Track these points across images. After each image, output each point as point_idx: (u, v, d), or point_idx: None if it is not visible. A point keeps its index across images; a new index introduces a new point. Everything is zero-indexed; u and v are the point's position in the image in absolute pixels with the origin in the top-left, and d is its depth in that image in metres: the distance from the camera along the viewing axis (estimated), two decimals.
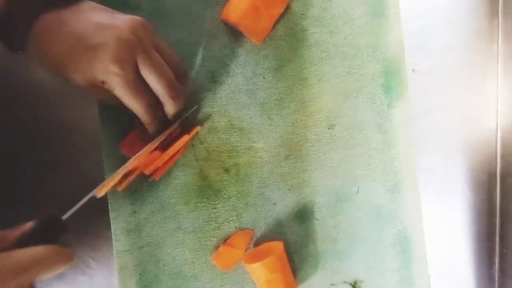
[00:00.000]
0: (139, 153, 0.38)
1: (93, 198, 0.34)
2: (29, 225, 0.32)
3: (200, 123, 0.43)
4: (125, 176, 0.39)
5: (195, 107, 0.42)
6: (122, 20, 0.33)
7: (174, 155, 0.41)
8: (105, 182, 0.36)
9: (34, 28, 0.31)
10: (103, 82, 0.33)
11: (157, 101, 0.36)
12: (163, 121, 0.38)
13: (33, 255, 0.29)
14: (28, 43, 0.32)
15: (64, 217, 0.33)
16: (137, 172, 0.40)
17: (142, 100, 0.34)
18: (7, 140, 0.42)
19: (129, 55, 0.32)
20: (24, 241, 0.31)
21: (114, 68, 0.32)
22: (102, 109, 0.41)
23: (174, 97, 0.36)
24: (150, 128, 0.38)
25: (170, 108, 0.37)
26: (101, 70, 0.32)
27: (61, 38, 0.32)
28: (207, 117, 0.43)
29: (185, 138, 0.41)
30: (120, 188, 0.39)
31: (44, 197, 0.43)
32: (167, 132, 0.39)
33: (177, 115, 0.39)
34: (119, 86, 0.33)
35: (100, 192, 0.35)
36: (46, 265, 0.29)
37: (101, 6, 0.35)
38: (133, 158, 0.37)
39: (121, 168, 0.37)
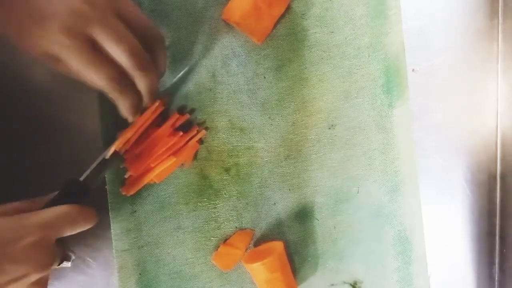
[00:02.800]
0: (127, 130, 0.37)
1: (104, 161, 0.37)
2: (52, 194, 0.35)
3: (203, 125, 0.43)
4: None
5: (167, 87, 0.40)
6: None
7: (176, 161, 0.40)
8: (113, 144, 0.37)
9: None
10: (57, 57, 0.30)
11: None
12: (139, 103, 0.35)
13: (58, 213, 0.32)
14: None
15: (81, 178, 0.36)
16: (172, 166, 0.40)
17: (102, 72, 0.31)
18: (7, 140, 0.42)
19: (81, 24, 0.29)
20: (49, 206, 0.34)
21: (65, 39, 0.29)
22: (102, 109, 0.41)
23: (141, 68, 0.32)
24: (124, 109, 0.34)
25: (140, 82, 0.33)
26: (52, 43, 0.29)
27: (8, 5, 0.29)
28: (208, 117, 0.43)
29: (194, 144, 0.41)
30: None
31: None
32: (146, 114, 0.37)
33: (153, 93, 0.35)
34: (73, 59, 0.30)
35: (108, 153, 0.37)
36: (69, 222, 0.33)
37: None
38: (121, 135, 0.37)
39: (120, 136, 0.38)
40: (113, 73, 0.31)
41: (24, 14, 0.30)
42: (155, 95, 0.36)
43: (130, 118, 0.36)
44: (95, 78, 0.31)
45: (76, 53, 0.30)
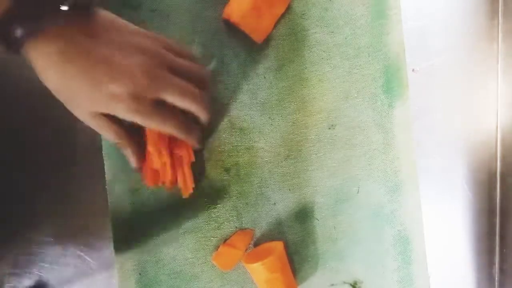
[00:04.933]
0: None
1: None
2: None
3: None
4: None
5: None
6: (134, 61, 0.32)
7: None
8: None
9: (33, 43, 0.29)
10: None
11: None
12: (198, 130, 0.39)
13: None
14: (26, 53, 0.29)
15: None
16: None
17: (170, 123, 0.35)
18: (7, 141, 0.42)
19: (146, 95, 0.32)
20: None
21: (132, 105, 0.32)
22: None
23: (204, 108, 0.36)
24: (194, 141, 0.38)
25: (203, 118, 0.37)
26: (118, 111, 0.32)
27: (64, 71, 0.30)
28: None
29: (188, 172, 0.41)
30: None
31: (44, 197, 0.43)
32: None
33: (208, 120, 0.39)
34: (141, 121, 0.33)
35: None
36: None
37: (112, 26, 0.32)
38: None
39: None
40: (180, 119, 0.35)
41: (79, 82, 0.31)
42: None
43: (198, 146, 0.40)
44: (166, 128, 0.35)
45: (142, 115, 0.33)
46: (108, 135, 0.35)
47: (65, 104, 0.32)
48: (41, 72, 0.30)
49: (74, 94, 0.31)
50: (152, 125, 0.34)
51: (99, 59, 0.30)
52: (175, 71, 0.34)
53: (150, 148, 0.36)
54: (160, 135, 0.37)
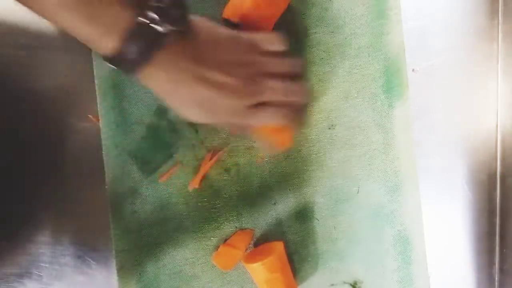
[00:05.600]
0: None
1: None
2: None
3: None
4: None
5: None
6: (236, 74, 0.34)
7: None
8: None
9: (146, 71, 0.31)
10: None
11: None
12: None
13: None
14: (141, 79, 0.32)
15: None
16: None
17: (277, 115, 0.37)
18: (7, 141, 0.42)
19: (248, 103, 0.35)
20: None
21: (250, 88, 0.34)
22: (103, 110, 0.41)
23: (303, 97, 0.38)
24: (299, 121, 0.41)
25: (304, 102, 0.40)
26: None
27: (176, 98, 0.33)
28: None
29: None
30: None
31: (44, 197, 0.43)
32: None
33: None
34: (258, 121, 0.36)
35: None
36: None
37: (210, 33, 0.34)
38: None
39: None
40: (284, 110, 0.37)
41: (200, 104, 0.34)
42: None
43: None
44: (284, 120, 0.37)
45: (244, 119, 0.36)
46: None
47: (181, 114, 0.35)
48: (157, 89, 0.33)
49: (194, 113, 0.34)
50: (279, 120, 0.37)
51: (211, 69, 0.33)
52: (272, 74, 0.36)
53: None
54: None
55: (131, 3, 0.29)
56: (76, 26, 0.28)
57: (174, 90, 0.32)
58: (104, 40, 0.29)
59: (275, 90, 0.36)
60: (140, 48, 0.29)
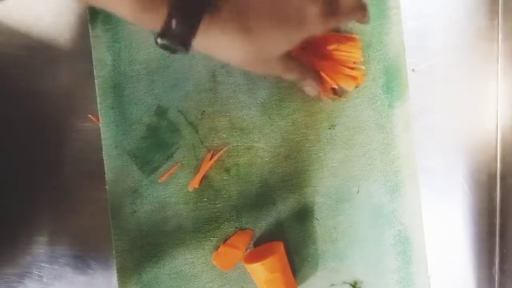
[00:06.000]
0: None
1: None
2: None
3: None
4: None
5: None
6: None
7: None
8: None
9: (203, 30, 0.29)
10: None
11: None
12: None
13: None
14: (199, 45, 0.30)
15: None
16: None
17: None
18: (7, 140, 0.42)
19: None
20: None
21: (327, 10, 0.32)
22: (103, 110, 0.41)
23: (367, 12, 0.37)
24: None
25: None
26: (313, 22, 0.32)
27: (249, 31, 0.30)
28: (208, 117, 0.43)
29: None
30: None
31: (44, 197, 0.43)
32: None
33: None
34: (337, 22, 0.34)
35: None
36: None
37: None
38: None
39: None
40: None
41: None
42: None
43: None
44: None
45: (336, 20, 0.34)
46: (296, 74, 0.37)
47: (257, 67, 0.33)
48: (223, 52, 0.31)
49: (267, 45, 0.31)
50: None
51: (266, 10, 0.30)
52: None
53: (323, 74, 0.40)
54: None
55: None
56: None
57: (242, 28, 0.30)
58: (152, 10, 0.28)
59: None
60: (192, 11, 0.28)
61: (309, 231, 0.45)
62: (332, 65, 0.41)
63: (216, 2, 0.29)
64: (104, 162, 0.41)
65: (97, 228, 0.43)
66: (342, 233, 0.45)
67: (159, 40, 0.29)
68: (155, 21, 0.28)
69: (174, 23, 0.28)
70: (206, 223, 0.43)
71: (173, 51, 0.29)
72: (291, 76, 0.37)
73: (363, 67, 0.42)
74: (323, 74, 0.41)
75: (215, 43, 0.30)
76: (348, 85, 0.41)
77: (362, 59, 0.42)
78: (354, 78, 0.41)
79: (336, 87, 0.41)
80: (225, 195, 0.43)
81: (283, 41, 0.32)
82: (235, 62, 0.32)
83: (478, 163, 0.48)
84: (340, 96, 0.43)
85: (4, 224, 0.42)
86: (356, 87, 0.43)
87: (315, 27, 0.32)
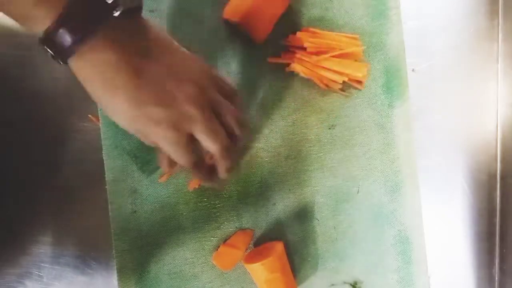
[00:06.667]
0: None
1: None
2: None
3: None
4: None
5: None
6: (183, 90, 0.30)
7: None
8: None
9: (82, 52, 0.27)
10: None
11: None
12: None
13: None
14: (73, 62, 0.28)
15: None
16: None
17: (189, 160, 0.33)
18: (7, 140, 0.42)
19: (186, 125, 0.31)
20: None
21: (170, 134, 0.30)
22: (102, 110, 0.41)
23: (227, 158, 0.34)
24: (224, 164, 0.35)
25: (222, 165, 0.35)
26: (153, 136, 0.31)
27: (109, 83, 0.29)
28: None
29: None
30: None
31: (44, 197, 0.43)
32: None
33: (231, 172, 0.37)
34: (168, 148, 0.31)
35: None
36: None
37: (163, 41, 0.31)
38: None
39: None
40: (198, 160, 0.33)
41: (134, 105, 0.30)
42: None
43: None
44: (182, 161, 0.33)
45: (175, 146, 0.31)
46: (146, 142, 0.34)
47: (103, 111, 0.31)
48: (86, 80, 0.29)
49: (114, 107, 0.30)
50: (182, 158, 0.32)
51: (148, 79, 0.29)
52: (214, 108, 0.32)
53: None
54: None
55: None
56: None
57: (108, 74, 0.28)
58: (41, 8, 0.26)
59: (208, 130, 0.32)
60: (83, 20, 0.26)
61: (309, 231, 0.45)
62: (338, 60, 0.41)
63: (106, 22, 0.27)
64: (104, 162, 0.41)
65: (97, 228, 0.43)
66: (342, 233, 0.45)
67: (40, 43, 0.28)
68: (39, 20, 0.27)
69: (60, 29, 0.26)
70: (206, 223, 0.43)
71: (52, 56, 0.28)
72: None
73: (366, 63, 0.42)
74: (327, 74, 0.40)
75: (88, 72, 0.29)
76: (358, 73, 0.40)
77: (362, 57, 0.42)
78: (363, 67, 0.41)
79: (345, 80, 0.41)
80: (225, 195, 0.43)
81: (124, 118, 0.30)
82: (97, 101, 0.30)
83: (478, 163, 0.48)
84: (344, 91, 0.43)
85: (4, 224, 0.43)
86: (364, 78, 0.42)
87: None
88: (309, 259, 0.45)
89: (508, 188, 0.48)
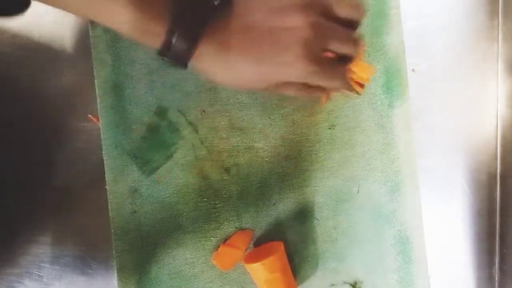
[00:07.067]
0: None
1: None
2: None
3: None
4: None
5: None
6: (294, 21, 0.30)
7: None
8: None
9: (195, 56, 0.30)
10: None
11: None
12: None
13: None
14: (192, 62, 0.30)
15: None
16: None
17: (337, 80, 0.33)
18: (7, 141, 0.42)
19: (316, 48, 0.31)
20: None
21: (309, 67, 0.30)
22: (103, 110, 0.41)
23: (359, 47, 0.34)
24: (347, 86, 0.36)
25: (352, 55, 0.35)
26: (295, 69, 0.31)
27: (228, 60, 0.30)
28: (208, 117, 0.43)
29: None
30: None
31: (44, 197, 0.43)
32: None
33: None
34: (320, 81, 0.32)
35: None
36: None
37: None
38: None
39: None
40: (343, 76, 0.34)
41: (266, 42, 0.30)
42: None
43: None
44: (333, 85, 0.34)
45: (323, 75, 0.32)
46: (291, 93, 0.35)
47: (238, 88, 0.33)
48: (210, 72, 0.31)
49: (247, 79, 0.31)
50: (325, 83, 0.33)
51: (256, 34, 0.30)
52: (329, 15, 0.32)
53: None
54: None
55: None
56: (121, 14, 0.28)
57: (224, 54, 0.30)
58: (153, 24, 0.28)
59: (337, 36, 0.31)
60: (193, 23, 0.28)
61: (309, 231, 0.45)
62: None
63: (213, 20, 0.29)
64: (104, 162, 0.41)
65: (97, 228, 0.43)
66: (342, 233, 0.45)
67: (158, 56, 0.29)
68: (155, 35, 0.28)
69: (174, 39, 0.28)
70: (206, 223, 0.43)
71: (173, 65, 0.30)
72: (287, 94, 0.35)
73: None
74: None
75: (209, 64, 0.31)
76: (364, 74, 0.40)
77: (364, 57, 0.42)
78: (369, 68, 0.41)
79: (351, 77, 0.41)
80: (225, 195, 0.43)
81: (259, 81, 0.32)
82: (227, 84, 0.32)
83: (478, 163, 0.48)
84: (350, 91, 0.43)
85: (4, 224, 0.43)
86: (367, 81, 0.42)
87: (298, 72, 0.31)
88: (309, 259, 0.45)
89: (508, 188, 0.48)
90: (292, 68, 0.30)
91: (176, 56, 0.29)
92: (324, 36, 0.31)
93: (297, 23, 0.30)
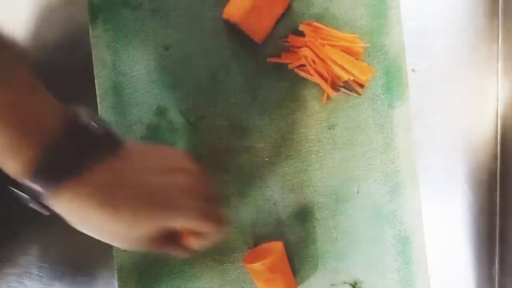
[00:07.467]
0: None
1: None
2: None
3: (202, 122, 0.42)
4: None
5: None
6: (172, 181, 0.31)
7: None
8: None
9: (59, 199, 0.27)
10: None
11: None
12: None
13: None
14: (55, 204, 0.28)
15: None
16: None
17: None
18: None
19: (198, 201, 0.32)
20: None
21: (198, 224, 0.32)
22: (103, 110, 0.41)
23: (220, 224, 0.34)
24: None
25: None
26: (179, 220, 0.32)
27: (106, 210, 0.28)
28: (208, 117, 0.43)
29: None
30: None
31: None
32: None
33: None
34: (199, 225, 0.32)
35: None
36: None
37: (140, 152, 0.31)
38: None
39: None
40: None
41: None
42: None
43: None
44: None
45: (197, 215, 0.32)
46: (167, 251, 0.35)
47: (111, 242, 0.31)
48: (78, 219, 0.29)
49: (119, 236, 0.30)
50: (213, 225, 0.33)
51: (138, 190, 0.29)
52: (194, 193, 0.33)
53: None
54: None
55: (63, 111, 0.27)
56: None
57: (102, 202, 0.28)
58: (24, 145, 0.26)
59: (196, 213, 0.32)
60: (69, 158, 0.26)
61: (309, 231, 0.45)
62: (346, 58, 0.41)
63: (80, 171, 0.27)
64: None
65: None
66: (342, 233, 0.45)
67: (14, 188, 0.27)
68: (25, 154, 0.26)
69: (50, 162, 0.26)
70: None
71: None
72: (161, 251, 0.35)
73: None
74: (334, 67, 0.40)
75: (77, 212, 0.28)
76: (363, 76, 0.41)
77: (362, 57, 0.42)
78: (368, 70, 0.41)
79: (351, 78, 0.41)
80: (225, 195, 0.43)
81: (148, 225, 0.30)
82: (93, 235, 0.30)
83: (478, 163, 0.48)
84: (350, 91, 0.43)
85: (4, 224, 0.42)
86: (367, 81, 0.42)
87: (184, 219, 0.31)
88: (309, 259, 0.45)
89: (508, 188, 0.48)
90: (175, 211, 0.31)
91: (31, 194, 0.27)
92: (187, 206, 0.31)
93: (178, 182, 0.31)
